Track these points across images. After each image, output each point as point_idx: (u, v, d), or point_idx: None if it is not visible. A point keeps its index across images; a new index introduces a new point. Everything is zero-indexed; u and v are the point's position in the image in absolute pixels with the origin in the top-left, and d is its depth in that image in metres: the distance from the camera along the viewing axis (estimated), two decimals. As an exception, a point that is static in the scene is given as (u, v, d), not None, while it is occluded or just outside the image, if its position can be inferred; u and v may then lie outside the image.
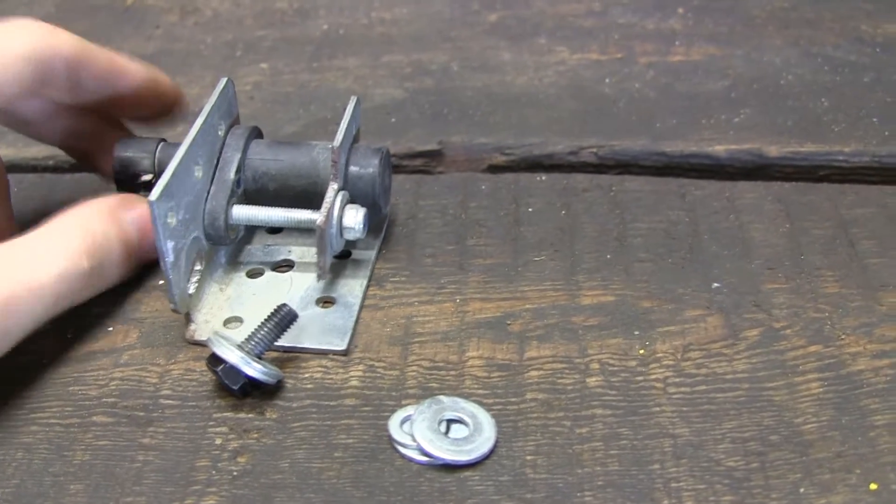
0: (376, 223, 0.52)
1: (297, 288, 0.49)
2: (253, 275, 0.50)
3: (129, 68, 0.51)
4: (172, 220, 0.44)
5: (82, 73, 0.49)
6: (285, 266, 0.51)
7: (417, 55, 0.70)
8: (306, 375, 0.45)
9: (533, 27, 0.74)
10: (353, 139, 0.51)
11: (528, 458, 0.41)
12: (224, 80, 0.50)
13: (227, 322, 0.47)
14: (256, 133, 0.51)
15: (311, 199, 0.49)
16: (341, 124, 0.48)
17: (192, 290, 0.47)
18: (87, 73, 0.49)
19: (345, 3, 0.78)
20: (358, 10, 0.77)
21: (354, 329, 0.47)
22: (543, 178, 0.58)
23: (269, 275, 0.51)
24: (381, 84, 0.67)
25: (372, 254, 0.51)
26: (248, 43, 0.73)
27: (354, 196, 0.49)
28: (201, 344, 0.46)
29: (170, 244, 0.44)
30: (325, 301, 0.49)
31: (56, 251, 0.44)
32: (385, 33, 0.73)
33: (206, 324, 0.47)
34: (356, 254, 0.51)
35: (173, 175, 0.44)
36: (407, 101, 0.65)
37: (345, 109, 0.50)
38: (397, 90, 0.66)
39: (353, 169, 0.49)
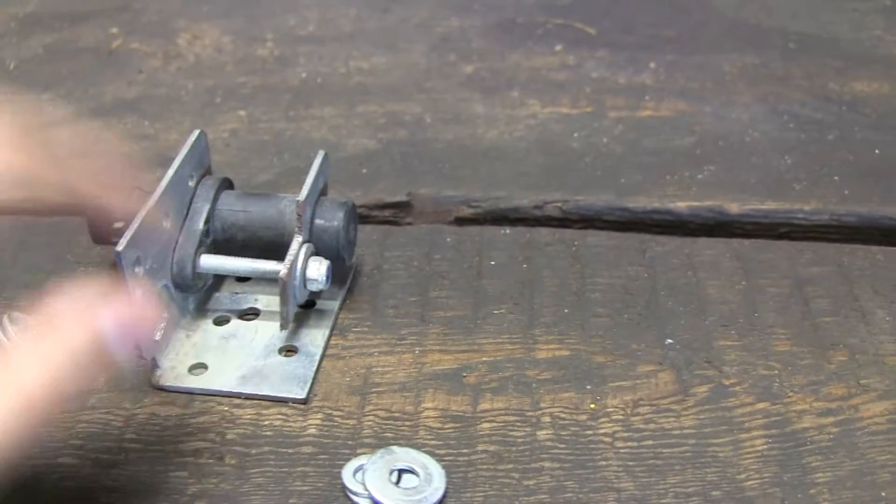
0: (342, 273, 0.54)
1: (261, 336, 0.51)
2: (219, 322, 0.52)
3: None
4: (139, 270, 0.46)
5: None
6: (251, 314, 0.52)
7: (392, 106, 0.72)
8: (266, 423, 0.46)
9: (507, 80, 0.75)
10: (321, 192, 0.52)
11: (476, 509, 0.42)
12: (196, 133, 0.52)
13: (191, 368, 0.49)
14: (227, 184, 0.53)
15: (279, 249, 0.50)
16: (307, 178, 0.50)
17: (158, 336, 0.48)
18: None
19: (324, 51, 0.80)
20: (337, 58, 0.78)
21: (315, 378, 0.48)
22: (508, 231, 0.59)
23: (235, 322, 0.52)
24: (355, 134, 0.68)
25: (336, 304, 0.53)
26: (228, 89, 0.74)
27: (319, 248, 0.50)
28: (167, 389, 0.48)
29: (137, 293, 0.46)
30: (288, 350, 0.50)
31: None
32: (362, 83, 0.75)
33: (171, 370, 0.48)
34: (321, 303, 0.53)
35: (140, 226, 0.46)
36: (379, 151, 0.67)
37: (312, 163, 0.51)
38: (370, 140, 0.68)
39: (318, 222, 0.50)
